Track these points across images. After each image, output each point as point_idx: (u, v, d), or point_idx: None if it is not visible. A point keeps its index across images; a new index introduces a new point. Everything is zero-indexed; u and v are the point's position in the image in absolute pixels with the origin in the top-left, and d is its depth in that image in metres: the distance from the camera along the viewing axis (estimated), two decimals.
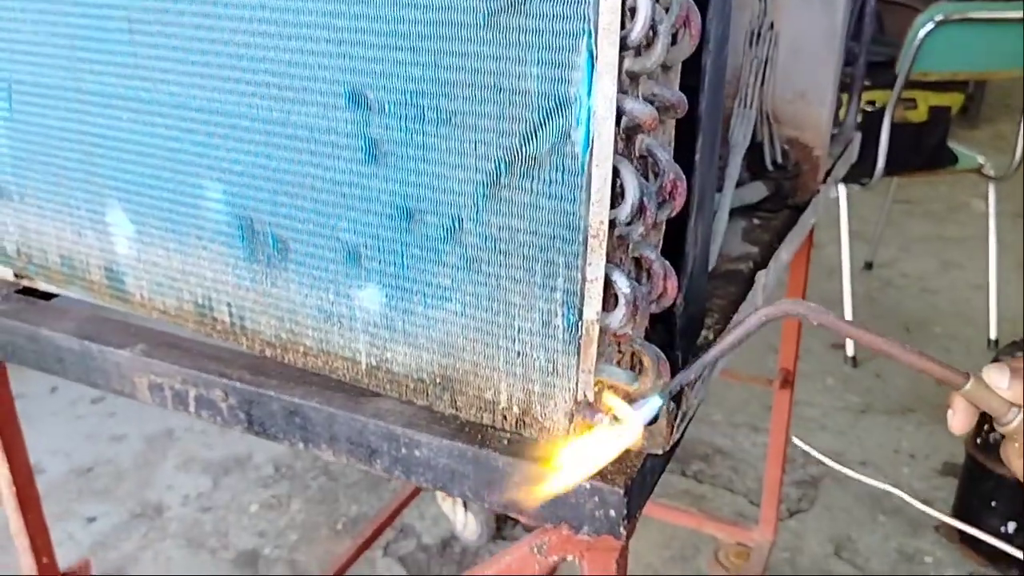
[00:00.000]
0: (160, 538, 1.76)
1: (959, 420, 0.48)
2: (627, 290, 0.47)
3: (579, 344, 0.49)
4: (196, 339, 0.70)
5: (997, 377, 0.45)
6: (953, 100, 2.27)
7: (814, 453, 0.56)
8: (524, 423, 0.53)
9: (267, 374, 0.65)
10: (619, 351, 0.54)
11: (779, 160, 0.92)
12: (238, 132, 0.56)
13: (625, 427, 0.47)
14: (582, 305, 0.48)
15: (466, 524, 1.72)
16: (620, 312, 0.48)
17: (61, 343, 0.73)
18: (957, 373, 0.46)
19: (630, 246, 0.50)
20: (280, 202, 0.56)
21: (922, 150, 2.23)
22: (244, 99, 0.54)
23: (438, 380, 0.56)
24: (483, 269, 0.50)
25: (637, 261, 0.51)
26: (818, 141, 0.93)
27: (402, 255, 0.53)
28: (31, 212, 0.71)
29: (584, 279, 0.47)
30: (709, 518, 1.56)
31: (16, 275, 0.78)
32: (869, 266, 3.00)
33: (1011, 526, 1.63)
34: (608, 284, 0.48)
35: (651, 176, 0.49)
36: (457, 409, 0.56)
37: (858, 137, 1.17)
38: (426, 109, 0.47)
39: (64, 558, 0.99)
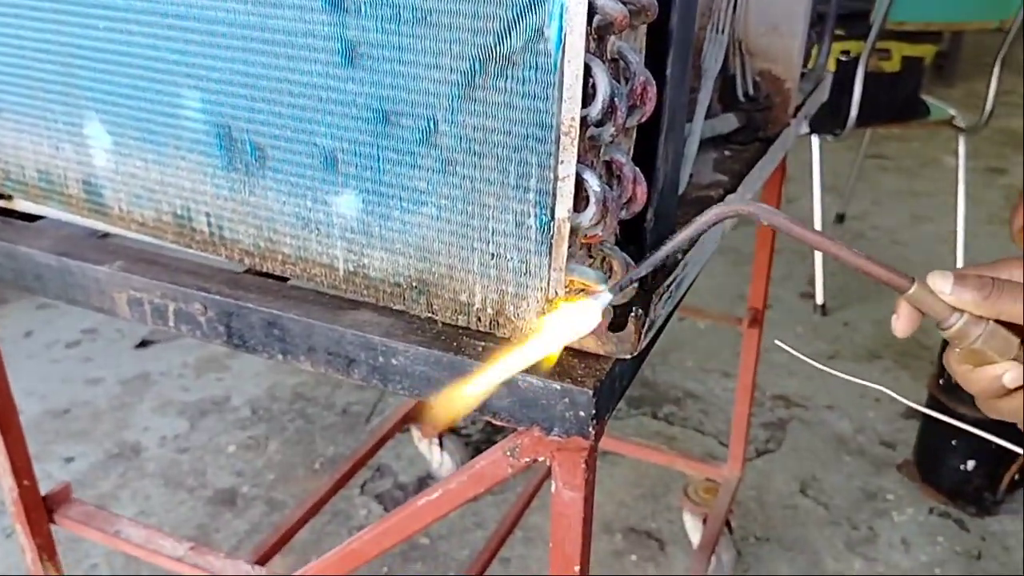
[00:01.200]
0: (138, 477, 1.78)
1: (903, 323, 0.50)
2: (597, 189, 0.49)
3: (551, 243, 0.50)
4: (174, 255, 0.71)
5: (941, 282, 0.48)
6: (926, 51, 2.29)
7: (796, 354, 0.58)
8: (498, 323, 0.55)
9: (246, 288, 0.67)
10: (590, 256, 0.56)
11: (751, 92, 0.94)
12: (215, 38, 0.56)
13: (578, 316, 0.50)
14: (554, 204, 0.49)
15: (442, 463, 1.75)
16: (591, 211, 0.50)
17: (39, 260, 0.73)
18: (902, 277, 0.48)
19: (601, 149, 0.51)
20: (258, 109, 0.57)
21: (895, 100, 2.26)
22: (221, 4, 0.55)
23: (414, 284, 0.57)
24: (458, 171, 0.51)
25: (608, 166, 0.53)
26: (789, 74, 0.94)
27: (378, 159, 0.54)
28: (8, 127, 0.71)
29: (556, 178, 0.48)
30: (679, 455, 1.60)
31: None
32: (841, 219, 3.04)
33: (970, 464, 1.69)
34: (579, 185, 0.50)
35: (622, 81, 0.51)
36: (433, 312, 0.58)
37: (829, 76, 1.18)
38: (402, 9, 0.48)
39: None
